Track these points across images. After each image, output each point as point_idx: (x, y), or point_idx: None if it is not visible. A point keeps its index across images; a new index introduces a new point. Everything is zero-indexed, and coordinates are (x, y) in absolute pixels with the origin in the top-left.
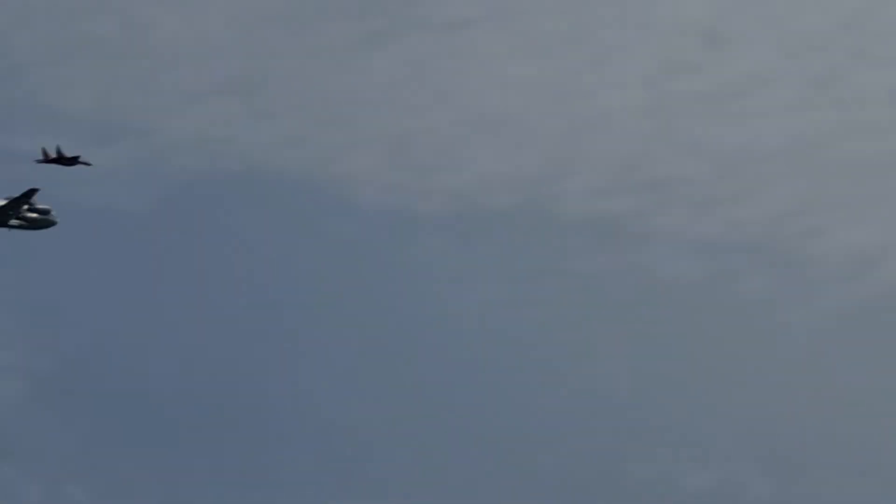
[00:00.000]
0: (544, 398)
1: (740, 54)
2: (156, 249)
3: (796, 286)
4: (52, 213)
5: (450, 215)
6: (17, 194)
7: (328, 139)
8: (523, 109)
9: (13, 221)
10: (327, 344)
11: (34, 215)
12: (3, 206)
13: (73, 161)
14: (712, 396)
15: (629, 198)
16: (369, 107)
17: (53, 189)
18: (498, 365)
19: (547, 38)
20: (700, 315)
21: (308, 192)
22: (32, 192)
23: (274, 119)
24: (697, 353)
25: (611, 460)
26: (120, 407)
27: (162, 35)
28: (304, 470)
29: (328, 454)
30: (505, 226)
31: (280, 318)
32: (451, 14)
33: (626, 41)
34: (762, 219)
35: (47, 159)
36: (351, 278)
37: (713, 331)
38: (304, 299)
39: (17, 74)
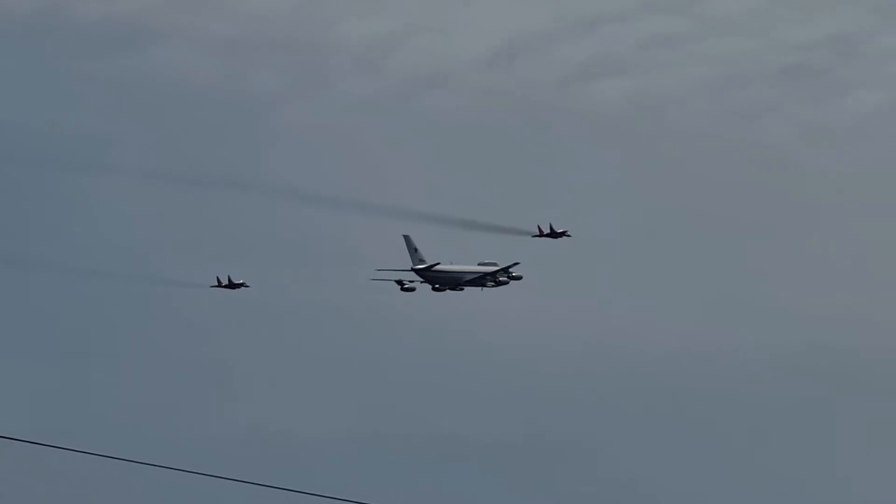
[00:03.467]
0: None
1: None
2: None
3: (314, 78)
4: (521, 280)
5: None
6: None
7: None
8: None
9: (489, 283)
10: None
11: (505, 279)
12: (488, 273)
13: (560, 235)
14: None
15: None
16: None
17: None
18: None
19: None
20: (218, 111)
21: None
22: (515, 264)
23: None
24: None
25: None
26: None
27: None
28: None
29: None
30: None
31: None
32: None
33: None
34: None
35: (541, 234)
36: None
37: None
38: None
39: None
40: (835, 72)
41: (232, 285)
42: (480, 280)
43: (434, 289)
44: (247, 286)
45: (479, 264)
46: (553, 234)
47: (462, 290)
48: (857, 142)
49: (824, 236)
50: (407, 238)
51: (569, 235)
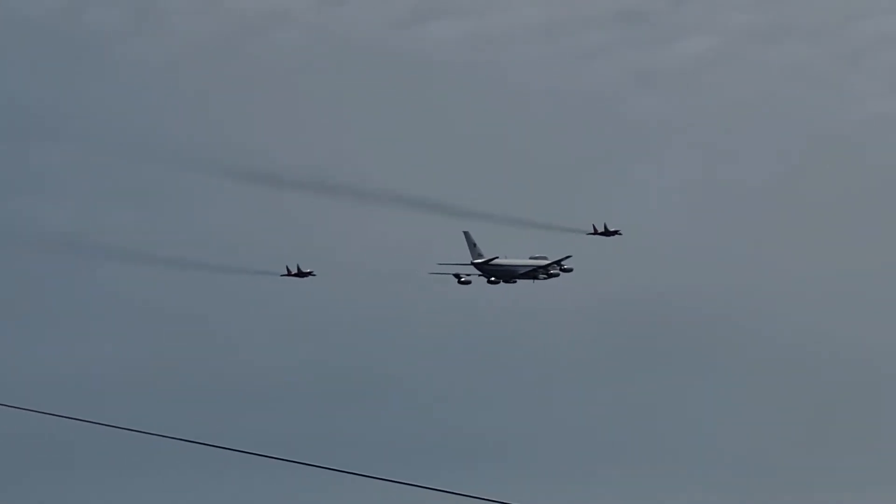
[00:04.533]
0: None
1: None
2: None
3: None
4: (571, 271)
5: None
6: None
7: None
8: None
9: (541, 276)
10: None
11: (556, 272)
12: (541, 266)
13: (613, 233)
14: None
15: None
16: None
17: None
18: None
19: None
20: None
21: None
22: (567, 257)
23: None
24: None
25: None
26: None
27: None
28: None
29: None
30: None
31: None
32: None
33: None
34: None
35: (595, 232)
36: None
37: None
38: None
39: None
40: (667, 17)
41: (301, 274)
42: (533, 273)
43: (489, 281)
44: (314, 275)
45: (530, 258)
46: (606, 233)
47: (515, 282)
48: (686, 86)
49: (653, 177)
50: (467, 234)
51: (620, 234)
